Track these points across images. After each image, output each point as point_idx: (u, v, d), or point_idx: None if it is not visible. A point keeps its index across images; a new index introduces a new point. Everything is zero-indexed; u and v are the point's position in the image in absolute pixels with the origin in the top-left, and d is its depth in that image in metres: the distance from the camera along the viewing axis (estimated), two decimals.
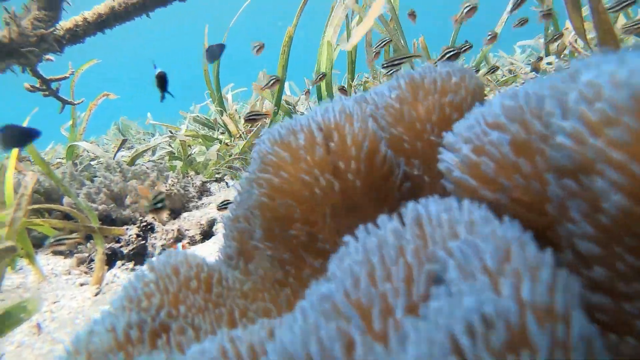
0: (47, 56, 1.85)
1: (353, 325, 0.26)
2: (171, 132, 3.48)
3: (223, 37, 3.40)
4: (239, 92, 4.84)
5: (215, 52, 1.96)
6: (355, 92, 3.13)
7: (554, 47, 2.91)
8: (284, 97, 3.29)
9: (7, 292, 1.17)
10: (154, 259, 0.56)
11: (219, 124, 3.44)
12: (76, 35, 1.94)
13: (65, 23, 1.87)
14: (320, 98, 3.15)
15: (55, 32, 1.69)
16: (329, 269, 0.31)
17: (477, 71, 2.77)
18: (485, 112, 0.38)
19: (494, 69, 1.81)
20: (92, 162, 2.76)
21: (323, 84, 3.06)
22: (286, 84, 4.74)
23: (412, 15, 2.34)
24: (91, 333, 0.50)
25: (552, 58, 2.89)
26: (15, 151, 1.38)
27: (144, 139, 4.65)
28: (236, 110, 3.74)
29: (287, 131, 0.49)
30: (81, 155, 3.08)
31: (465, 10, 1.89)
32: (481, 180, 0.36)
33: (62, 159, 3.29)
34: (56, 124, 3.97)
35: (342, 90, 2.50)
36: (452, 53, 1.65)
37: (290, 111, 3.12)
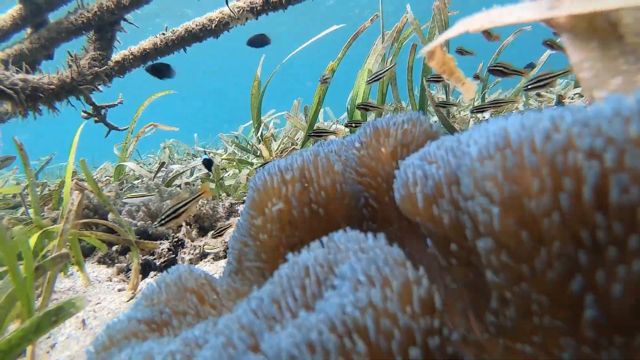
0: (98, 88, 2.11)
1: (264, 311, 0.42)
2: (212, 155, 3.74)
3: (275, 68, 3.64)
4: (279, 121, 5.10)
5: (258, 41, 2.14)
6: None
7: None
8: (317, 125, 3.48)
9: (59, 293, 1.39)
10: (167, 270, 0.74)
11: (255, 148, 3.66)
12: (123, 67, 2.21)
13: (115, 57, 2.14)
14: (350, 119, 3.31)
15: (107, 68, 1.94)
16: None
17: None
18: (428, 150, 0.51)
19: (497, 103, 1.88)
20: (135, 182, 3.04)
21: (357, 111, 3.22)
22: (321, 110, 4.96)
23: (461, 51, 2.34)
24: (118, 321, 0.67)
25: (577, 90, 2.93)
26: (70, 170, 1.62)
27: (185, 160, 4.96)
28: (272, 135, 3.97)
29: (275, 168, 0.65)
30: (127, 174, 3.37)
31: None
32: (415, 210, 0.49)
33: (111, 176, 3.59)
34: (110, 144, 4.33)
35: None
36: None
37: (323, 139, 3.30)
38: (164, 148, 5.02)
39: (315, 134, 2.28)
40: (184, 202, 1.12)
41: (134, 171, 3.39)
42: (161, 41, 2.08)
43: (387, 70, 2.23)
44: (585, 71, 0.41)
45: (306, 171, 0.66)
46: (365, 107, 2.26)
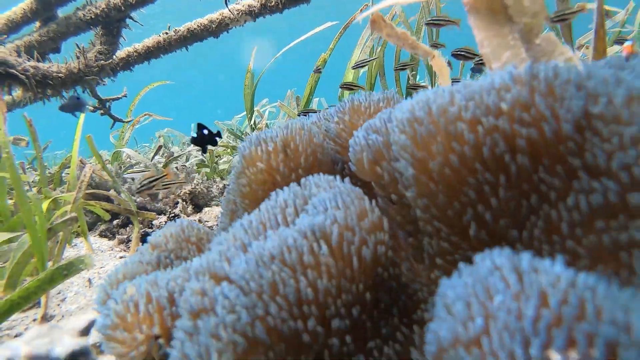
0: (103, 80, 2.22)
1: (252, 229, 0.54)
2: None
3: (269, 58, 3.74)
4: (274, 111, 5.20)
5: (72, 106, 2.22)
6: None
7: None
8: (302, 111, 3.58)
9: (66, 260, 1.50)
10: (169, 222, 0.85)
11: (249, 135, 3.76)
12: (128, 63, 2.32)
13: (120, 53, 2.24)
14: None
15: (112, 62, 2.05)
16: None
17: None
18: (371, 122, 0.64)
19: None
20: (135, 166, 3.14)
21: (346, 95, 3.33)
22: (316, 100, 5.06)
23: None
24: (126, 263, 0.79)
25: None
26: (76, 147, 1.73)
27: (181, 148, 5.05)
28: (266, 126, 4.07)
29: (261, 139, 0.77)
30: (124, 161, 3.48)
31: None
32: (364, 171, 0.62)
33: (106, 161, 3.69)
34: (106, 133, 4.43)
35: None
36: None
37: None
38: (159, 137, 5.11)
39: (304, 113, 2.39)
40: (154, 178, 1.21)
41: (130, 158, 3.49)
42: (164, 40, 2.19)
43: (372, 59, 2.35)
44: (485, 47, 0.54)
45: (290, 141, 0.78)
46: (349, 87, 2.41)
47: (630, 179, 0.39)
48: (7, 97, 3.21)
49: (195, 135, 1.35)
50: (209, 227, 1.65)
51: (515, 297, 0.28)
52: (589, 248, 0.41)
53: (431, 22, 1.77)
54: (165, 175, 1.25)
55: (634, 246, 0.41)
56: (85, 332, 0.52)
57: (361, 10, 3.08)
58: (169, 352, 0.61)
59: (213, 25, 2.24)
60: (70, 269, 1.05)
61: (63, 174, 2.47)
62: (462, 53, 1.55)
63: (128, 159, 3.52)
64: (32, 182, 2.89)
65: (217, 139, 1.37)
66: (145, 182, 1.20)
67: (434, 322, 0.33)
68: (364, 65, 2.30)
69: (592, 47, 1.20)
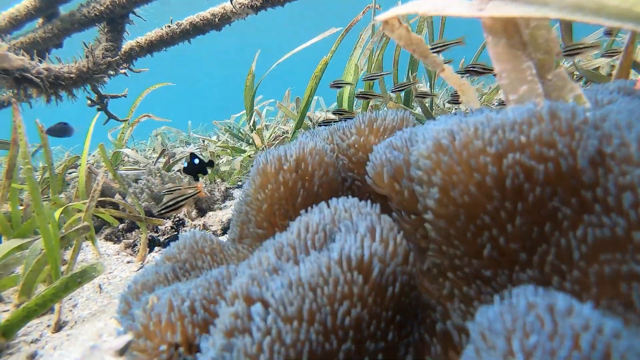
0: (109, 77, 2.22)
1: (283, 253, 0.56)
2: (205, 143, 3.86)
3: (269, 57, 3.76)
4: (272, 109, 5.22)
5: (59, 130, 2.23)
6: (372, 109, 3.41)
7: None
8: (308, 114, 3.61)
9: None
10: (184, 234, 0.87)
11: (248, 136, 3.79)
12: (130, 57, 2.34)
13: (123, 47, 2.26)
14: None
15: (118, 58, 2.06)
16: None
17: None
18: (392, 141, 0.67)
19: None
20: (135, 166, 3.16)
21: (346, 101, 3.35)
22: (315, 98, 5.08)
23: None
24: (143, 274, 0.81)
25: None
26: (85, 152, 1.74)
27: (178, 146, 5.06)
28: (265, 127, 4.10)
29: (273, 157, 0.80)
30: (123, 160, 3.48)
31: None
32: (382, 185, 0.65)
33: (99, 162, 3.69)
34: (105, 130, 4.42)
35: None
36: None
37: (310, 128, 3.43)
38: (156, 135, 5.11)
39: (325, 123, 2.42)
40: (183, 197, 1.23)
41: (128, 156, 3.50)
42: (167, 33, 2.21)
43: (383, 74, 2.39)
44: (503, 79, 0.57)
45: (302, 161, 0.80)
46: (364, 96, 2.45)
47: (638, 217, 0.43)
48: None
49: (186, 164, 1.38)
50: (213, 231, 1.68)
51: (550, 337, 0.31)
52: (594, 277, 0.44)
53: (435, 48, 1.81)
54: (199, 192, 1.26)
55: (633, 279, 0.44)
56: (122, 351, 0.54)
57: (363, 13, 3.10)
58: None
59: (216, 19, 2.25)
60: (84, 276, 1.07)
61: (66, 176, 2.48)
62: (477, 69, 1.59)
63: (126, 158, 3.53)
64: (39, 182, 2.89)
65: (208, 168, 1.40)
66: (171, 202, 1.20)
67: (471, 351, 0.36)
68: (375, 78, 2.33)
69: (619, 62, 1.23)
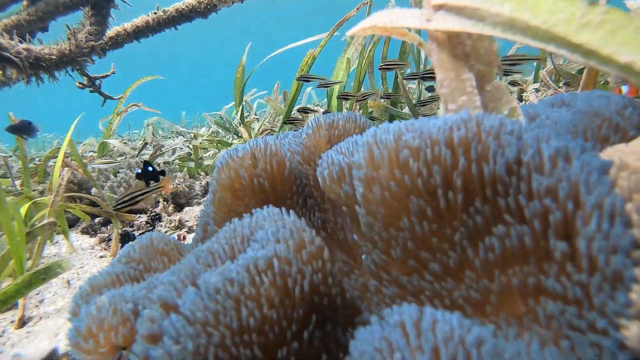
0: (93, 60, 2.23)
1: (203, 259, 0.58)
2: (194, 136, 3.87)
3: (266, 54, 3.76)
4: (261, 101, 5.23)
5: (21, 129, 2.23)
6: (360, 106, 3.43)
7: (541, 75, 3.10)
8: (297, 107, 3.61)
9: (46, 258, 1.54)
10: (141, 235, 0.89)
11: (236, 129, 3.80)
12: (117, 42, 2.35)
13: (109, 32, 2.26)
14: (329, 103, 3.44)
15: (102, 42, 2.07)
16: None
17: None
18: (340, 145, 0.69)
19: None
20: (118, 159, 3.17)
21: (334, 97, 3.35)
22: (308, 90, 5.08)
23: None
24: (97, 276, 0.83)
25: (537, 85, 3.08)
26: (63, 148, 1.76)
27: (169, 137, 5.07)
28: (257, 119, 4.10)
29: (230, 151, 0.81)
30: (111, 151, 3.49)
31: None
32: (327, 187, 0.67)
33: (95, 152, 3.71)
34: (96, 118, 4.44)
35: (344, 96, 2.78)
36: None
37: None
38: (147, 126, 5.11)
39: (290, 121, 2.46)
40: (141, 192, 1.24)
41: (116, 147, 3.51)
42: (153, 20, 2.22)
43: (399, 64, 2.41)
44: (444, 88, 0.58)
45: (257, 153, 0.82)
46: (344, 97, 2.50)
47: (543, 227, 0.44)
48: None
49: (139, 171, 1.39)
50: (189, 227, 1.70)
51: (412, 353, 0.33)
52: (501, 288, 0.46)
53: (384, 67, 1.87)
54: (161, 187, 1.26)
55: (540, 292, 0.46)
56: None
57: (357, 9, 3.10)
58: None
59: (201, 6, 2.26)
60: (48, 272, 1.09)
61: (48, 167, 2.50)
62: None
63: (115, 149, 3.54)
64: (17, 171, 2.91)
65: (161, 176, 1.42)
66: (126, 197, 1.21)
67: None
68: (365, 97, 2.38)
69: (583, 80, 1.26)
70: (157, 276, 0.69)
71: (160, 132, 5.68)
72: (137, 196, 1.23)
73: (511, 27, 0.54)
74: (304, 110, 2.68)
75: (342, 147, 0.68)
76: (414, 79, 2.49)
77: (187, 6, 2.28)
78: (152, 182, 1.36)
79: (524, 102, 2.70)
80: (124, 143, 3.90)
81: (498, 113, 0.61)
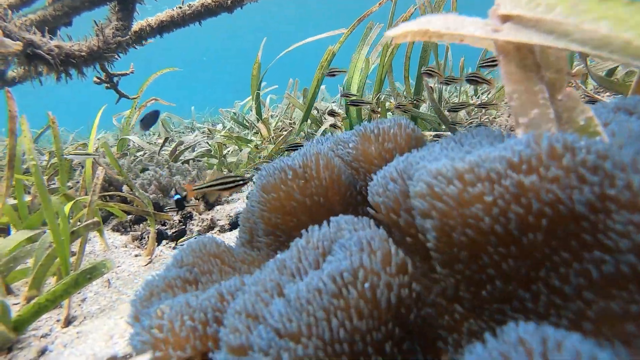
0: (119, 57, 2.23)
1: (286, 269, 0.58)
2: (209, 131, 3.87)
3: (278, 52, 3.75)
4: (275, 97, 5.22)
5: (149, 120, 2.27)
6: (378, 104, 3.41)
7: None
8: (314, 103, 3.60)
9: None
10: (190, 239, 0.89)
11: (254, 125, 3.80)
12: (140, 37, 2.35)
13: (133, 27, 2.26)
14: (347, 107, 3.43)
15: (128, 38, 2.07)
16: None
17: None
18: (390, 170, 0.69)
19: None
20: (138, 154, 3.17)
21: (353, 90, 3.34)
22: (322, 88, 5.06)
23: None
24: (153, 279, 0.83)
25: None
26: (92, 145, 1.77)
27: (183, 132, 5.07)
28: (271, 116, 4.10)
29: (278, 168, 0.81)
30: (128, 146, 3.51)
31: None
32: (380, 214, 0.67)
33: (111, 147, 3.71)
34: (109, 113, 4.45)
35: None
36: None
37: (317, 120, 3.43)
38: (162, 124, 5.11)
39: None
40: (229, 181, 1.23)
41: (133, 143, 3.52)
42: (178, 14, 2.21)
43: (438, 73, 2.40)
44: (514, 100, 0.57)
45: (307, 168, 0.82)
46: (355, 104, 2.49)
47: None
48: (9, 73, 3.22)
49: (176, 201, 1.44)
50: (221, 226, 1.70)
51: None
52: (598, 315, 0.45)
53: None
54: (248, 181, 1.26)
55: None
56: None
57: (380, 4, 3.08)
58: None
59: (228, 1, 2.25)
60: (94, 272, 1.10)
61: (74, 164, 2.51)
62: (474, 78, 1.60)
63: (131, 144, 3.54)
64: (41, 166, 2.92)
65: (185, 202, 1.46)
66: (214, 182, 1.20)
67: None
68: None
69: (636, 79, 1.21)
70: (226, 283, 0.69)
71: (172, 127, 5.68)
72: (221, 184, 1.23)
73: (607, 45, 0.52)
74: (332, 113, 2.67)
75: (391, 173, 0.67)
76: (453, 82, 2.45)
77: (213, 1, 2.27)
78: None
79: None
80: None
81: (573, 124, 0.61)
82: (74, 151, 1.88)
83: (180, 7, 2.28)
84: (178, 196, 1.42)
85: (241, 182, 1.24)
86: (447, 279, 0.55)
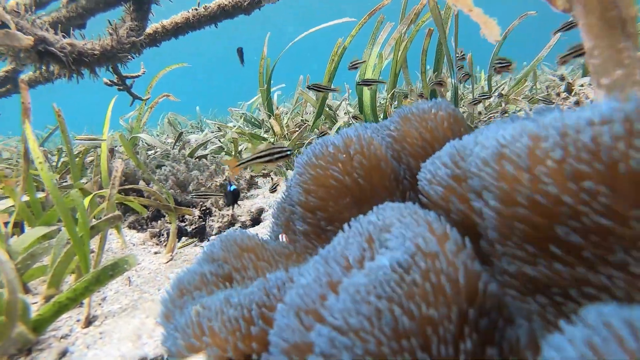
0: (132, 57, 2.19)
1: (336, 264, 0.53)
2: (219, 129, 3.83)
3: (280, 44, 3.70)
4: (281, 93, 5.17)
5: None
6: (394, 99, 3.36)
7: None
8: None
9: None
10: (222, 233, 0.84)
11: (265, 123, 3.75)
12: (154, 39, 2.30)
13: (146, 29, 2.22)
14: (360, 102, 3.37)
15: (142, 39, 2.03)
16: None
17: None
18: (440, 155, 0.63)
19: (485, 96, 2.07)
20: (149, 152, 3.14)
21: (365, 91, 3.28)
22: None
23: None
24: (185, 274, 0.78)
25: (585, 80, 2.98)
26: (105, 143, 1.72)
27: (192, 132, 5.04)
28: (282, 113, 4.05)
29: (319, 150, 0.76)
30: (138, 145, 3.47)
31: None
32: (437, 198, 0.61)
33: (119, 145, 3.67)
34: (117, 114, 4.42)
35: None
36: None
37: (331, 116, 3.37)
38: (168, 122, 5.08)
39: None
40: (275, 152, 1.17)
41: (143, 142, 3.49)
42: (193, 16, 2.17)
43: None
44: (595, 58, 0.51)
45: (350, 148, 0.77)
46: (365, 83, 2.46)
47: None
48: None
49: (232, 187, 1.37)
50: (242, 222, 1.65)
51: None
52: None
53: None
54: (291, 154, 1.21)
55: None
56: None
57: None
58: None
59: (245, 2, 2.20)
60: (116, 269, 1.05)
61: (86, 160, 2.47)
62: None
63: (141, 142, 3.51)
64: (52, 166, 2.89)
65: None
66: (255, 156, 1.15)
67: None
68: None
69: None
70: (271, 277, 0.64)
71: (179, 127, 5.65)
72: (263, 156, 1.17)
73: None
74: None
75: (442, 159, 0.62)
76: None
77: (230, 2, 2.22)
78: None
79: (576, 95, 2.62)
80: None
81: None
82: (82, 136, 1.83)
83: (196, 9, 2.24)
84: (234, 187, 1.35)
85: (288, 153, 1.19)
86: (507, 260, 0.49)
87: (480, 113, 2.95)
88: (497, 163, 0.47)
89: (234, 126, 3.83)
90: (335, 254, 0.55)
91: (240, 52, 2.20)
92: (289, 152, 1.19)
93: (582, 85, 2.93)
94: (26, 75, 3.11)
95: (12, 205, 1.43)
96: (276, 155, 1.17)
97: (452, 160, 0.60)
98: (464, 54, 2.48)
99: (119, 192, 1.73)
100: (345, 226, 0.58)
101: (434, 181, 0.62)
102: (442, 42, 2.82)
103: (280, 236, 0.90)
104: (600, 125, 0.41)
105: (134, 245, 1.60)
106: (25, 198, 1.46)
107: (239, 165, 1.25)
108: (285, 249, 0.84)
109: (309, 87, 2.40)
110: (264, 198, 1.91)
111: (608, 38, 0.54)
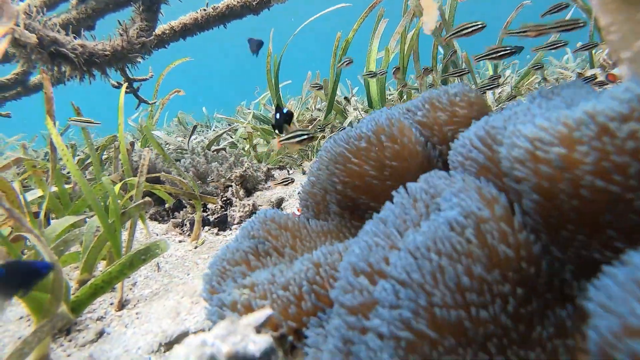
0: (143, 58, 2.21)
1: (393, 223, 0.54)
2: (229, 125, 3.85)
3: (286, 42, 3.72)
4: (288, 89, 5.19)
5: (254, 44, 2.24)
6: (403, 92, 3.37)
7: (598, 59, 3.00)
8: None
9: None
10: (257, 211, 0.85)
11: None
12: (162, 40, 2.31)
13: (155, 30, 2.23)
14: (369, 97, 3.37)
15: (152, 39, 2.04)
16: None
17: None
18: (469, 135, 0.64)
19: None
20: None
21: (373, 85, 3.29)
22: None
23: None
24: (226, 252, 0.79)
25: (596, 71, 2.97)
26: (121, 131, 1.74)
27: (201, 130, 5.07)
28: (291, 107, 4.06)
29: (351, 134, 0.77)
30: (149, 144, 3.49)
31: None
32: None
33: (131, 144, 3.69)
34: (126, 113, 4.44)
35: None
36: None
37: (342, 110, 3.38)
38: (178, 121, 5.10)
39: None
40: (305, 133, 1.23)
41: (158, 138, 3.50)
42: (202, 17, 2.18)
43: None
44: (613, 34, 0.50)
45: (381, 132, 0.78)
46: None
47: None
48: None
49: (278, 116, 1.39)
50: None
51: None
52: None
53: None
54: (320, 137, 1.28)
55: None
56: (260, 328, 0.53)
57: None
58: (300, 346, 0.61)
59: (254, 2, 2.21)
60: (148, 253, 1.07)
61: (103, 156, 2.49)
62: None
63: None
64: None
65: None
66: (292, 134, 1.22)
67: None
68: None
69: None
70: (318, 253, 0.66)
71: (187, 126, 5.67)
72: (300, 135, 1.23)
73: None
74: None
75: (472, 140, 0.63)
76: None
77: (239, 2, 2.23)
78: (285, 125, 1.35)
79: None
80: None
81: None
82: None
83: (205, 10, 2.25)
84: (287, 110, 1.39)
85: (318, 135, 1.25)
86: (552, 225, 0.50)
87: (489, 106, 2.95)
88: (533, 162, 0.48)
89: (246, 122, 3.85)
90: (394, 217, 0.57)
91: (254, 42, 2.18)
92: (317, 133, 1.24)
93: (594, 75, 2.92)
94: (36, 77, 3.14)
95: (41, 196, 1.45)
96: (306, 136, 1.23)
97: (484, 143, 0.61)
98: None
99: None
100: (396, 193, 0.59)
101: (466, 163, 0.63)
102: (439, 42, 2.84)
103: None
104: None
105: (157, 235, 1.62)
106: (54, 189, 1.48)
107: (282, 141, 1.28)
108: (319, 227, 0.86)
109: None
110: (283, 188, 1.92)
111: (625, 12, 0.54)
